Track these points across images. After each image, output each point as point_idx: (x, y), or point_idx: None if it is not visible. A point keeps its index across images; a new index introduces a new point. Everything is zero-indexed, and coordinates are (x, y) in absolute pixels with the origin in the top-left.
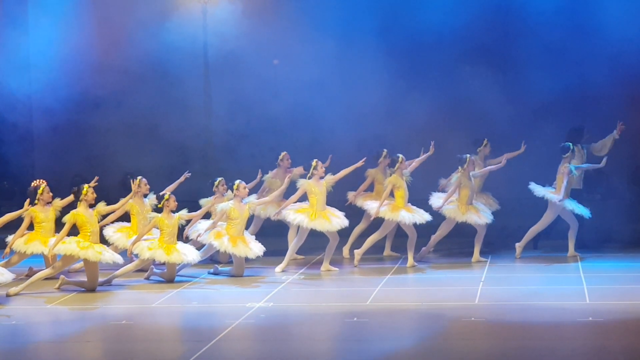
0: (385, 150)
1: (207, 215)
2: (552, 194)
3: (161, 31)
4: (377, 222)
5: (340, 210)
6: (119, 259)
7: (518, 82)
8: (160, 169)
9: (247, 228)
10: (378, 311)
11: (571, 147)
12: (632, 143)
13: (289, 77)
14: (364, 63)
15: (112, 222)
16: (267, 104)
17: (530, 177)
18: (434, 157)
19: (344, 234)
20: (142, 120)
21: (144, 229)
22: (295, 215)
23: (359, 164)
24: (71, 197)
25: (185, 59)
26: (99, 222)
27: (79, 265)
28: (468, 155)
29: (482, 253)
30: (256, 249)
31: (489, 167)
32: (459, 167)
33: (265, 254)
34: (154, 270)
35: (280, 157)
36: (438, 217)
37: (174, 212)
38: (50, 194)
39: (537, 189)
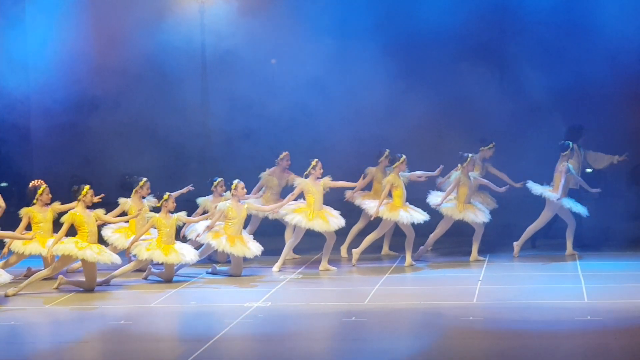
0: (387, 150)
1: (203, 213)
2: (550, 192)
3: (158, 31)
4: (375, 221)
5: (336, 208)
6: (117, 259)
7: (516, 80)
8: (159, 169)
9: (245, 227)
10: (376, 310)
11: (571, 145)
12: (630, 142)
13: (287, 77)
14: (362, 62)
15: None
16: (265, 103)
17: (528, 175)
18: (432, 156)
19: (341, 233)
20: (141, 120)
21: (142, 229)
22: (293, 215)
23: (358, 185)
24: (73, 204)
25: (182, 58)
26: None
27: (77, 265)
28: (470, 155)
29: (480, 252)
30: (254, 248)
31: (491, 185)
32: (459, 165)
33: (263, 253)
34: (152, 270)
35: (281, 156)
36: (436, 215)
37: (172, 213)
38: (50, 195)
39: (535, 187)
